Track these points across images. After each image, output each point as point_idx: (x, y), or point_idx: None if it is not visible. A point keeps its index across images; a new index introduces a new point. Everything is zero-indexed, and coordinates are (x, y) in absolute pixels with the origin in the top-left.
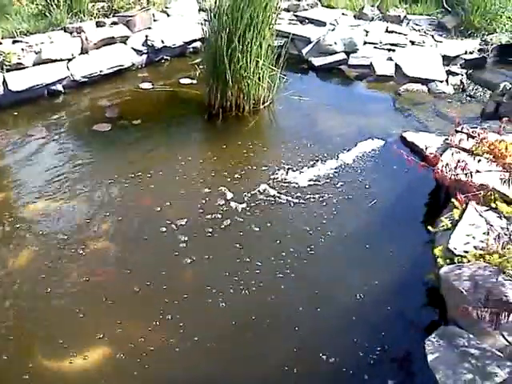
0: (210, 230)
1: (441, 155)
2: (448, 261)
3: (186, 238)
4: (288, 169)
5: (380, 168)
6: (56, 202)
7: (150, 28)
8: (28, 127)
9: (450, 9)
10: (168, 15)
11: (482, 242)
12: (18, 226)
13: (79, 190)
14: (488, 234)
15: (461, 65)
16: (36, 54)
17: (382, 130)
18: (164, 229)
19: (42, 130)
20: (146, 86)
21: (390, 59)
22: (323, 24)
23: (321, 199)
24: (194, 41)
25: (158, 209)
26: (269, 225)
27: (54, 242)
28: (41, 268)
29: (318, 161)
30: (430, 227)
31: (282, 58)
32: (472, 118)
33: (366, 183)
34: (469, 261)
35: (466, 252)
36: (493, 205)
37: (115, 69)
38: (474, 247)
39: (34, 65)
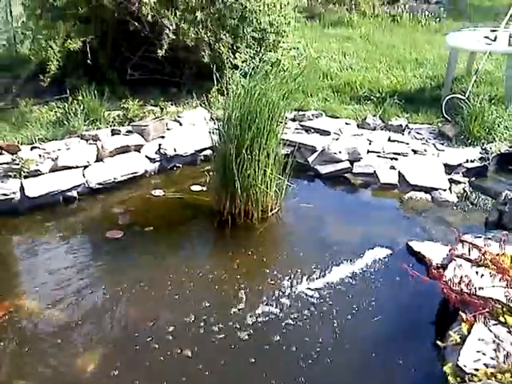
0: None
1: (446, 267)
2: (459, 379)
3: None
4: (293, 279)
5: (386, 278)
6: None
7: (163, 137)
8: (42, 233)
9: (449, 118)
10: (180, 124)
11: (493, 359)
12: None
13: (84, 298)
14: (498, 350)
15: (463, 173)
16: (53, 160)
17: (387, 238)
18: (156, 345)
19: (55, 236)
20: (158, 192)
21: (393, 168)
22: (328, 133)
23: (325, 311)
24: (205, 149)
25: (155, 322)
26: (267, 347)
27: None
28: None
29: (323, 270)
30: (438, 342)
31: (289, 166)
32: (476, 227)
33: (373, 294)
34: (480, 380)
35: (477, 370)
36: (501, 318)
37: (129, 176)
38: (485, 365)
39: (50, 171)
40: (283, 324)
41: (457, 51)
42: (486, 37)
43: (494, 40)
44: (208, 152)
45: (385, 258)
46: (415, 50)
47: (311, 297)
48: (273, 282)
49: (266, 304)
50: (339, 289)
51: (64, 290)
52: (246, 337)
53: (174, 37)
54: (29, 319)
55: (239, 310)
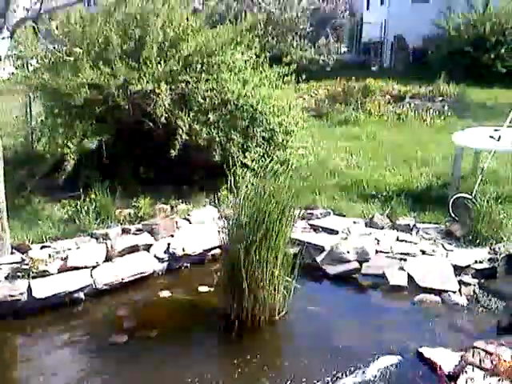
0: None
1: (457, 376)
2: None
3: None
4: None
5: None
6: None
7: (172, 235)
8: (46, 335)
9: (457, 218)
10: (190, 222)
11: None
12: None
13: None
14: None
15: (472, 274)
16: (62, 260)
17: (397, 344)
18: None
19: (59, 338)
20: (165, 294)
21: (402, 269)
22: (336, 232)
23: None
24: (214, 248)
25: None
26: None
27: None
28: None
29: (332, 378)
30: None
31: (298, 266)
32: (488, 331)
33: None
34: None
35: None
36: None
37: (137, 276)
38: None
39: (59, 272)
40: None
41: (462, 150)
42: (491, 136)
43: (498, 140)
44: (216, 251)
45: (395, 365)
46: (421, 148)
47: None
48: None
49: None
50: None
51: None
52: None
53: (187, 137)
54: None
55: None
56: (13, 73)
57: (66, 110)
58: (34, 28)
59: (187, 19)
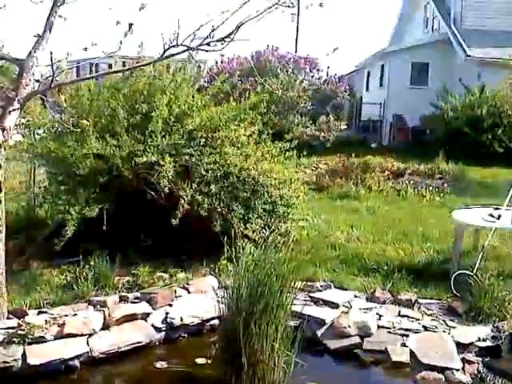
0: None
1: None
2: None
3: None
4: None
5: None
6: None
7: (170, 305)
8: None
9: (458, 294)
10: (189, 292)
11: None
12: None
13: None
14: None
15: (475, 352)
16: (59, 326)
17: None
18: None
19: None
20: (161, 365)
21: (405, 345)
22: (337, 306)
23: None
24: (212, 318)
25: None
26: None
27: None
28: None
29: None
30: None
31: (298, 339)
32: None
33: None
34: None
35: None
36: None
37: (133, 346)
38: None
39: (55, 338)
40: None
41: (462, 228)
42: (491, 215)
43: (498, 218)
44: (215, 322)
45: None
46: (421, 223)
47: None
48: None
49: None
50: None
51: None
52: None
53: (189, 207)
54: None
55: None
56: (20, 141)
57: (70, 177)
58: (42, 99)
59: (193, 96)
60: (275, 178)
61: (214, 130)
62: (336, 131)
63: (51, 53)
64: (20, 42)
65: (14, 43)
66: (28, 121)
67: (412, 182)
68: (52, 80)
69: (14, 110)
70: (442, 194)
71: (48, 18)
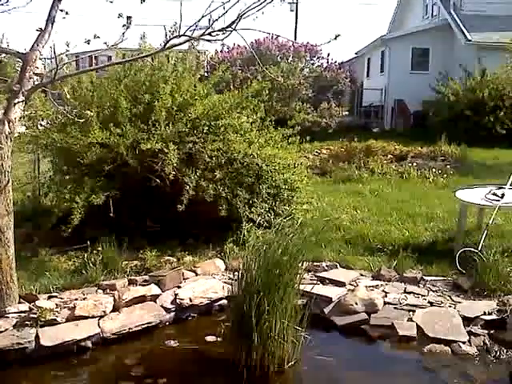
0: None
1: None
2: None
3: None
4: None
5: None
6: None
7: (179, 286)
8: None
9: (463, 271)
10: (196, 274)
11: None
12: None
13: None
14: None
15: (481, 325)
16: (69, 310)
17: None
18: None
19: None
20: (172, 343)
21: (411, 320)
22: (343, 284)
23: None
24: (221, 299)
25: None
26: None
27: None
28: None
29: None
30: None
31: (306, 317)
32: (499, 381)
33: None
34: None
35: None
36: None
37: (143, 326)
38: None
39: (66, 321)
40: None
41: (466, 207)
42: (494, 193)
43: (502, 197)
44: (223, 302)
45: None
46: (424, 204)
47: None
48: None
49: None
50: None
51: None
52: None
53: (194, 193)
54: None
55: None
56: (23, 133)
57: (75, 167)
58: (45, 92)
59: (195, 86)
60: (279, 163)
61: (217, 117)
62: (337, 117)
63: (53, 46)
64: (22, 36)
65: (17, 37)
66: (31, 113)
67: (415, 164)
68: (55, 73)
69: (18, 102)
70: (444, 176)
71: (50, 12)
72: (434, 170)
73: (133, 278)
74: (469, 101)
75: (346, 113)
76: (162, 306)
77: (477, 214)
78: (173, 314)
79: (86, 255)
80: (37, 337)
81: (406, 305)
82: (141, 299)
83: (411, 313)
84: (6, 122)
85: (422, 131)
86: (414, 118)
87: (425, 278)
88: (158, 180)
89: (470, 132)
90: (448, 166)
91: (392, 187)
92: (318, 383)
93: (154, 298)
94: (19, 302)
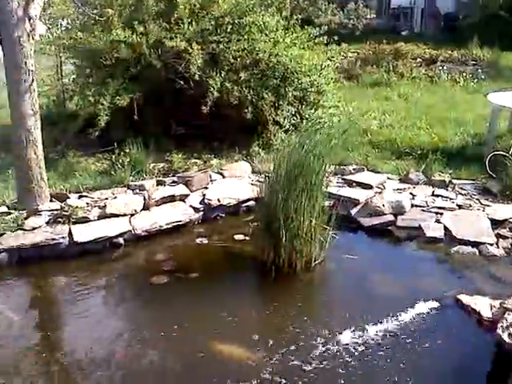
0: None
1: (497, 322)
2: None
3: None
4: (337, 333)
5: (436, 333)
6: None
7: (206, 188)
8: (87, 277)
9: (493, 175)
10: (223, 176)
11: None
12: None
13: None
14: None
15: (509, 228)
16: (100, 208)
17: (435, 292)
18: None
19: (100, 280)
20: (202, 240)
21: (439, 222)
22: (370, 187)
23: (368, 366)
24: (248, 200)
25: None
26: None
27: None
28: None
29: (368, 324)
30: None
31: (333, 218)
32: None
33: (421, 350)
34: None
35: None
36: None
37: (173, 224)
38: None
39: (98, 218)
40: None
41: (498, 110)
42: None
43: None
44: (250, 203)
45: (433, 312)
46: (454, 109)
47: (354, 351)
48: (314, 334)
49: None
50: (385, 342)
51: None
52: None
53: (218, 95)
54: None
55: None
56: (45, 34)
57: (98, 69)
58: None
59: None
60: (305, 65)
61: (241, 15)
62: (365, 19)
63: None
64: None
65: None
66: (50, 13)
67: (445, 68)
68: None
69: None
70: (475, 80)
71: None
72: (464, 74)
73: (161, 179)
74: (504, 0)
75: (374, 15)
76: (190, 206)
77: (508, 117)
78: (201, 213)
79: (113, 157)
80: (70, 233)
81: (434, 207)
82: (170, 199)
83: (439, 215)
84: (26, 19)
85: (453, 34)
86: (444, 20)
87: (453, 181)
88: (181, 82)
89: (504, 35)
90: (479, 71)
91: (421, 92)
92: (345, 281)
93: (183, 197)
94: (50, 201)
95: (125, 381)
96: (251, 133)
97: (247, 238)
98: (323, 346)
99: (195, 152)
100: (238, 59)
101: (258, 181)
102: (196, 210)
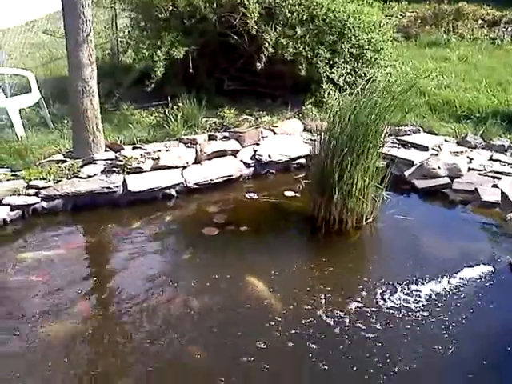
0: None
1: None
2: None
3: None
4: (385, 291)
5: (487, 297)
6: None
7: (258, 144)
8: (140, 225)
9: None
10: (275, 133)
11: None
12: None
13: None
14: None
15: None
16: (153, 160)
17: (487, 256)
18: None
19: (154, 229)
20: (252, 195)
21: (496, 186)
22: (425, 149)
23: (417, 327)
24: (299, 157)
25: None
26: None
27: None
28: None
29: (417, 284)
30: None
31: (386, 178)
32: None
33: (471, 313)
34: None
35: None
36: None
37: (224, 178)
38: None
39: (151, 170)
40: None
41: None
42: None
43: None
44: (301, 160)
45: (485, 275)
46: None
47: (404, 310)
48: (365, 292)
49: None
50: (435, 303)
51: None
52: None
53: (273, 51)
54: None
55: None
56: None
57: (153, 22)
58: None
59: None
60: (363, 21)
61: None
62: None
63: None
64: None
65: None
66: None
67: (509, 30)
68: None
69: None
70: None
71: None
72: None
73: (212, 134)
74: None
75: None
76: (241, 161)
77: None
78: (252, 169)
79: (166, 111)
80: (124, 182)
81: (492, 171)
82: (221, 153)
83: (496, 180)
84: None
85: None
86: None
87: None
88: (236, 37)
89: None
90: None
91: (482, 54)
92: (395, 241)
93: (234, 153)
94: (105, 151)
95: (183, 321)
96: (304, 91)
97: (297, 194)
98: (372, 304)
99: (247, 108)
100: (294, 14)
101: (310, 139)
102: (247, 165)
